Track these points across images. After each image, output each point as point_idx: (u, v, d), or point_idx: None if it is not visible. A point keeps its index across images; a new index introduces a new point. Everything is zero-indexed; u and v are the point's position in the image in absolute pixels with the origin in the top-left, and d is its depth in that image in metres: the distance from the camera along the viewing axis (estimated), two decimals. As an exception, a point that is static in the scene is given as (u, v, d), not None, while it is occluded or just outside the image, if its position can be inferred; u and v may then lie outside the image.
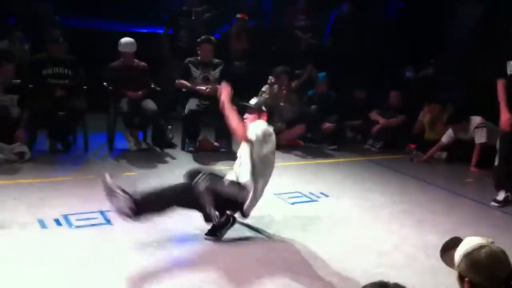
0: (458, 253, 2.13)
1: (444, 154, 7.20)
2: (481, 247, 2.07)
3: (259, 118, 4.36)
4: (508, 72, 5.22)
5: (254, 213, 4.53)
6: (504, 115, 5.24)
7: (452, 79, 8.56)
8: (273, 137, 4.23)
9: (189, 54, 7.36)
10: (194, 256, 3.90)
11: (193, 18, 8.49)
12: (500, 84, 5.27)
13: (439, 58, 9.04)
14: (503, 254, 2.06)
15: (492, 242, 2.11)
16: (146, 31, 9.21)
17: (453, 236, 2.29)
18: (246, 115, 4.40)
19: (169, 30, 8.76)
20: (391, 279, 1.83)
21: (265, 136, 4.12)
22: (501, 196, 5.40)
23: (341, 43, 9.23)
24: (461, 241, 2.16)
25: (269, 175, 4.24)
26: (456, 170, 6.79)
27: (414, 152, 7.21)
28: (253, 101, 4.49)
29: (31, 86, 6.53)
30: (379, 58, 9.09)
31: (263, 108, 4.41)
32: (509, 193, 5.41)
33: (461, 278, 2.12)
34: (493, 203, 5.36)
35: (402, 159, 7.21)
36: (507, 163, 5.39)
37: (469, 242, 2.13)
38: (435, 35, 9.15)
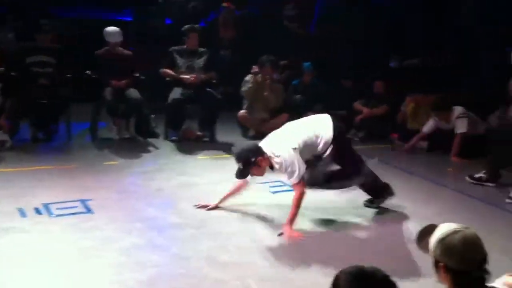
0: (433, 239, 2.16)
1: (424, 144, 7.25)
2: (455, 232, 2.10)
3: (263, 165, 4.18)
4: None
5: (236, 201, 4.58)
6: None
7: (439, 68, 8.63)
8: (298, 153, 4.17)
9: (164, 43, 7.32)
10: (176, 244, 3.90)
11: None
12: None
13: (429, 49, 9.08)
14: (476, 239, 2.10)
15: (467, 228, 2.14)
16: (130, 19, 9.15)
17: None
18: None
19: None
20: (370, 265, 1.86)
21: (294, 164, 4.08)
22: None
23: (328, 32, 9.25)
24: (436, 228, 2.20)
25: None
26: (437, 159, 6.84)
27: (396, 142, 7.25)
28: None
29: (15, 74, 6.47)
30: (365, 47, 9.11)
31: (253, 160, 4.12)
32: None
33: (436, 263, 2.15)
34: (508, 200, 5.30)
35: (384, 149, 7.25)
36: None
37: (444, 228, 2.16)
38: (425, 25, 9.19)
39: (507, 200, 5.29)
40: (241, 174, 4.19)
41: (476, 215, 4.77)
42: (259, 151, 4.14)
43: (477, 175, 5.76)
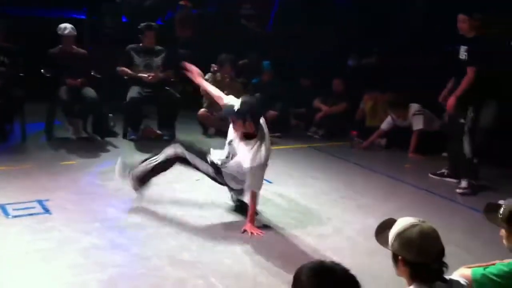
0: (392, 233, 2.19)
1: (383, 141, 7.38)
2: (412, 226, 2.14)
3: (244, 126, 4.14)
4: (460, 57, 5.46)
5: (198, 199, 4.57)
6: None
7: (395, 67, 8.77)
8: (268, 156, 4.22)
9: (115, 41, 7.23)
10: (136, 244, 3.86)
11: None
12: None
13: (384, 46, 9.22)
14: (433, 232, 2.14)
15: (424, 222, 2.19)
16: (83, 17, 8.98)
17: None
18: (232, 118, 4.21)
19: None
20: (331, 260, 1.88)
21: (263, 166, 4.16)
22: (464, 184, 5.54)
23: (285, 31, 9.29)
24: (394, 222, 2.23)
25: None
26: (395, 156, 6.98)
27: (355, 139, 7.35)
28: (236, 105, 4.19)
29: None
30: (323, 46, 9.19)
31: (247, 117, 4.11)
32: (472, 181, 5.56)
33: (395, 257, 2.19)
34: (458, 191, 5.51)
35: (344, 146, 7.34)
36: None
37: (402, 222, 2.20)
38: (381, 23, 9.32)
39: (458, 190, 5.50)
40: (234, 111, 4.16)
41: (434, 210, 4.88)
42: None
43: (439, 172, 5.92)
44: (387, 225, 2.26)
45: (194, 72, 4.60)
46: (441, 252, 2.13)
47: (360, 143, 7.32)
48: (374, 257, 3.70)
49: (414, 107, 7.02)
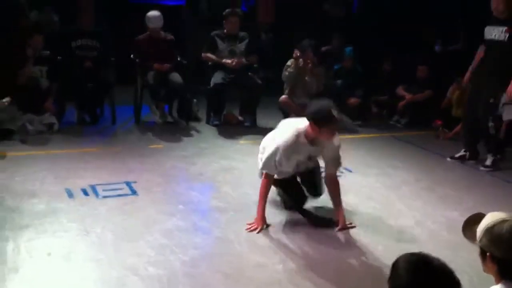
0: (480, 228, 2.13)
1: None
2: (503, 221, 2.07)
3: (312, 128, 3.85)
4: (486, 37, 5.52)
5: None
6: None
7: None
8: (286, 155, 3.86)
9: (210, 27, 7.34)
10: (218, 227, 3.96)
11: None
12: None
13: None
14: None
15: (516, 217, 2.11)
16: (170, 3, 9.18)
17: (474, 212, 2.30)
18: None
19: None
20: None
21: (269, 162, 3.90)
22: (489, 160, 5.68)
23: (369, 15, 9.11)
24: (483, 217, 2.17)
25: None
26: (483, 147, 6.70)
27: (440, 129, 7.13)
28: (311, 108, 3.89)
29: (60, 57, 6.62)
30: (408, 30, 8.94)
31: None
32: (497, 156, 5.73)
33: (483, 253, 2.13)
34: (482, 168, 5.64)
35: (428, 136, 7.15)
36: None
37: (491, 217, 2.13)
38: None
39: (481, 168, 5.63)
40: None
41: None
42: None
43: (487, 163, 5.77)
44: (475, 220, 2.20)
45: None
46: None
47: (446, 133, 7.09)
48: (458, 251, 3.60)
49: (504, 96, 6.70)
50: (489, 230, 2.09)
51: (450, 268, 1.78)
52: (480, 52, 5.80)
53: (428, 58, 8.46)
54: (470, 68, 5.88)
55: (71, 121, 6.64)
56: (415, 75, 7.96)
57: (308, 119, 3.81)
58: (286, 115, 7.48)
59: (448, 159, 5.98)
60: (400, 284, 1.77)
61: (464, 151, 5.97)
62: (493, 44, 5.55)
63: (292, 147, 3.82)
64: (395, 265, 1.83)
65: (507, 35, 5.39)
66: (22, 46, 6.22)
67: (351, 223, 4.08)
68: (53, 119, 6.21)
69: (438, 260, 1.80)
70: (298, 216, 4.20)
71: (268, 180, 3.97)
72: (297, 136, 3.83)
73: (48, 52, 6.51)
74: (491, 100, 5.62)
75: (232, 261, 3.46)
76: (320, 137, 3.85)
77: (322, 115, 3.74)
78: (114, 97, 6.81)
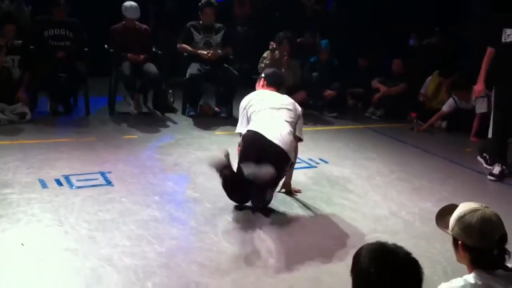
0: (453, 218, 2.17)
1: (444, 123, 7.22)
2: (474, 210, 2.11)
3: (259, 84, 4.58)
4: (503, 40, 5.24)
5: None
6: (479, 85, 5.53)
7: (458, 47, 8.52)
8: (249, 103, 4.27)
9: (176, 20, 7.29)
10: (194, 218, 3.95)
11: None
12: (488, 53, 5.35)
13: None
14: (495, 217, 2.11)
15: (486, 207, 2.15)
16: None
17: (448, 203, 2.33)
18: None
19: None
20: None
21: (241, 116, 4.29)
22: (496, 170, 5.30)
23: (345, 9, 9.16)
24: (456, 208, 2.21)
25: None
26: (456, 139, 6.81)
27: (414, 121, 7.22)
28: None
29: (32, 47, 6.51)
30: (383, 25, 9.01)
31: (262, 74, 4.62)
32: (504, 167, 5.31)
33: (455, 241, 2.17)
34: (489, 177, 5.30)
35: (402, 128, 7.23)
36: (500, 136, 5.42)
37: (464, 207, 2.17)
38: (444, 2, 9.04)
39: (489, 177, 5.30)
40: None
41: (495, 195, 4.77)
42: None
43: (495, 171, 5.35)
44: (448, 210, 2.24)
45: None
46: (503, 238, 2.10)
47: (420, 125, 7.18)
48: (432, 242, 3.66)
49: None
50: (461, 219, 2.13)
51: (414, 257, 1.78)
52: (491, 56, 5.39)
53: (403, 52, 8.56)
54: (481, 78, 5.49)
55: (44, 111, 6.54)
56: (390, 68, 8.04)
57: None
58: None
59: (488, 177, 5.33)
60: (362, 274, 1.75)
61: (500, 166, 5.33)
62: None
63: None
64: (357, 255, 1.82)
65: None
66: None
67: (298, 190, 4.43)
68: (26, 109, 6.11)
69: (401, 248, 1.80)
70: (273, 208, 4.20)
71: None
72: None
73: (20, 41, 6.40)
74: None
75: (208, 252, 3.45)
76: None
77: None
78: (88, 87, 6.73)
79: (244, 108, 4.26)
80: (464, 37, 8.65)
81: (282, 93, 4.51)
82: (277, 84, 4.53)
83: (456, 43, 8.70)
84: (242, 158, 3.98)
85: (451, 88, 7.18)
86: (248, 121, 4.18)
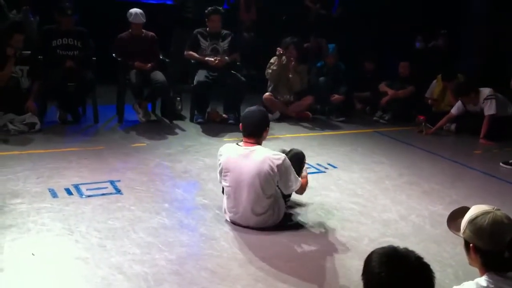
0: (464, 220, 2.17)
1: (453, 126, 7.19)
2: (485, 213, 2.11)
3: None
4: None
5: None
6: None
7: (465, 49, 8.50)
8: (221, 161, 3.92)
9: (196, 25, 7.32)
10: (203, 225, 3.95)
11: None
12: None
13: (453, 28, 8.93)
14: (507, 219, 2.10)
15: (498, 209, 2.14)
16: (154, 2, 9.14)
17: (458, 206, 2.32)
18: None
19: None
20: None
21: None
22: None
23: (350, 13, 9.16)
24: (468, 211, 2.20)
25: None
26: (465, 141, 6.79)
27: (423, 124, 7.19)
28: None
29: (41, 57, 6.56)
30: (389, 28, 9.02)
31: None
32: None
33: (466, 244, 2.16)
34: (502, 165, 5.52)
35: (411, 131, 7.21)
36: None
37: (475, 209, 2.17)
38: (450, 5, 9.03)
39: (502, 165, 5.52)
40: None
41: (505, 197, 4.73)
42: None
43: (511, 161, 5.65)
44: (459, 213, 2.23)
45: None
46: None
47: (429, 128, 7.15)
48: (442, 245, 3.65)
49: (485, 91, 6.78)
50: (472, 221, 2.12)
51: (426, 262, 1.77)
52: None
53: (409, 54, 8.55)
54: None
55: (53, 120, 6.58)
56: (397, 71, 8.02)
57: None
58: (270, 112, 7.52)
59: (501, 164, 5.70)
60: (374, 278, 1.75)
61: None
62: None
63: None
64: (368, 259, 1.81)
65: None
66: (2, 46, 6.14)
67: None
68: (35, 119, 6.14)
69: (413, 252, 1.79)
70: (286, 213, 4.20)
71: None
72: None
73: (29, 51, 6.45)
74: None
75: (218, 258, 3.45)
76: None
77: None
78: (96, 96, 6.76)
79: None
80: (465, 38, 8.63)
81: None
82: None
83: (457, 45, 8.69)
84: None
85: (454, 95, 7.15)
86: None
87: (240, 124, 4.01)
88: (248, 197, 3.80)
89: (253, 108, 4.08)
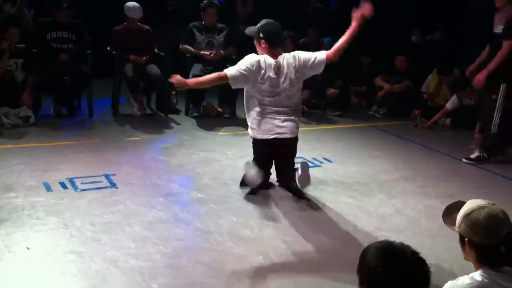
0: (460, 214, 2.16)
1: (448, 121, 7.19)
2: (481, 207, 2.10)
3: (259, 45, 4.38)
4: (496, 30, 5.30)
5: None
6: (481, 75, 5.34)
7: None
8: (255, 67, 4.20)
9: (177, 19, 7.28)
10: (199, 219, 3.94)
11: None
12: (508, 45, 5.20)
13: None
14: (502, 214, 2.09)
15: (493, 204, 2.14)
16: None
17: (453, 200, 2.32)
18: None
19: None
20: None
21: (240, 73, 4.18)
22: (474, 155, 5.64)
23: (347, 7, 9.12)
24: (463, 205, 2.20)
25: (256, 105, 4.32)
26: (460, 136, 6.79)
27: (418, 118, 7.19)
28: (248, 30, 4.54)
29: (36, 50, 6.52)
30: (385, 22, 8.98)
31: (260, 35, 4.33)
32: (484, 154, 5.62)
33: (461, 239, 2.16)
34: (464, 160, 5.62)
35: (406, 125, 7.20)
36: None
37: (471, 204, 2.16)
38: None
39: (464, 160, 5.62)
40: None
41: (500, 192, 4.74)
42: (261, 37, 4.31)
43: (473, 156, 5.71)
44: (455, 207, 2.23)
45: (181, 81, 4.14)
46: (510, 235, 2.07)
47: (424, 122, 7.15)
48: (437, 239, 3.65)
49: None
50: (468, 216, 2.12)
51: (422, 257, 1.76)
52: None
53: (405, 48, 8.52)
54: (485, 68, 5.40)
55: (47, 114, 6.55)
56: (393, 65, 8.01)
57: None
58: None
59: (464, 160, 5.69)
60: (370, 272, 1.74)
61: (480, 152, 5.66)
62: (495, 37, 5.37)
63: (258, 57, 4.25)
64: (364, 253, 1.80)
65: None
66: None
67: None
68: (29, 112, 6.12)
69: (408, 247, 1.79)
70: (278, 208, 4.20)
71: (222, 77, 4.21)
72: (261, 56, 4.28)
73: (24, 45, 6.41)
74: (493, 96, 5.41)
75: (213, 252, 3.45)
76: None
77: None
78: (92, 89, 6.73)
79: (249, 70, 4.21)
80: (465, 33, 8.63)
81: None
82: (279, 44, 4.45)
83: (456, 40, 8.67)
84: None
85: (450, 90, 7.14)
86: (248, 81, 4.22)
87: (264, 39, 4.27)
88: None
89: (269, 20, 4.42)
